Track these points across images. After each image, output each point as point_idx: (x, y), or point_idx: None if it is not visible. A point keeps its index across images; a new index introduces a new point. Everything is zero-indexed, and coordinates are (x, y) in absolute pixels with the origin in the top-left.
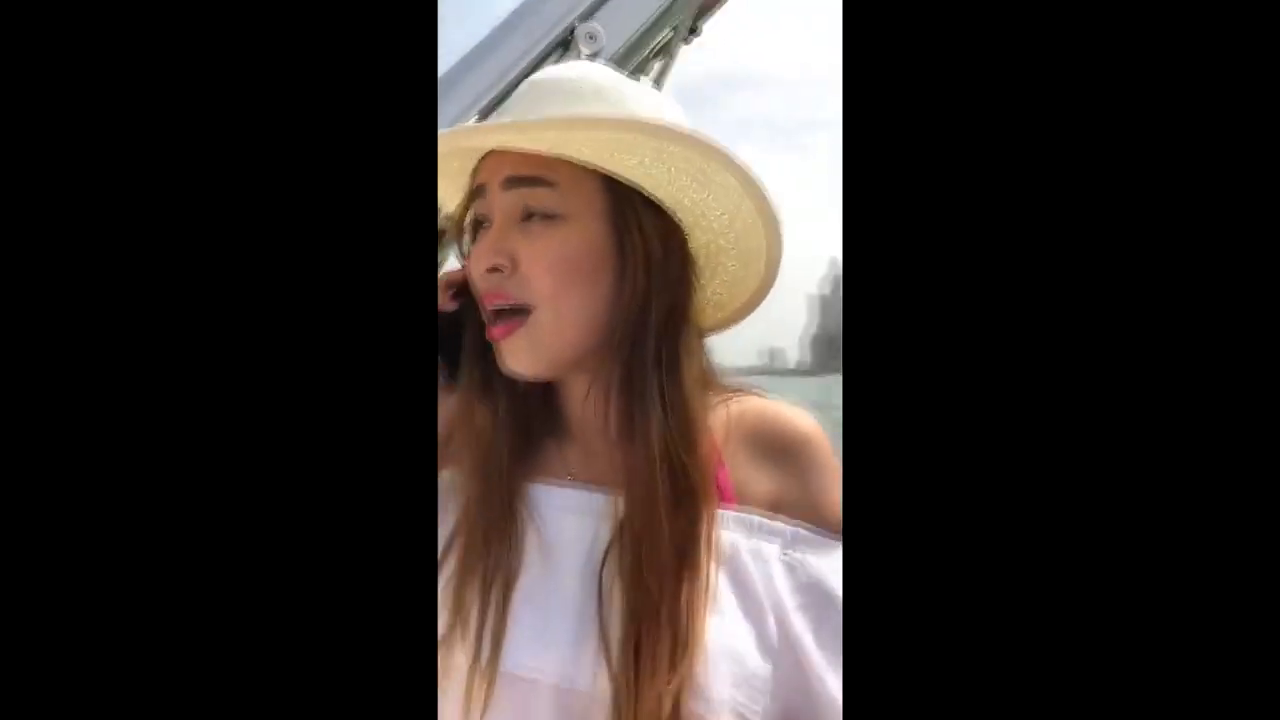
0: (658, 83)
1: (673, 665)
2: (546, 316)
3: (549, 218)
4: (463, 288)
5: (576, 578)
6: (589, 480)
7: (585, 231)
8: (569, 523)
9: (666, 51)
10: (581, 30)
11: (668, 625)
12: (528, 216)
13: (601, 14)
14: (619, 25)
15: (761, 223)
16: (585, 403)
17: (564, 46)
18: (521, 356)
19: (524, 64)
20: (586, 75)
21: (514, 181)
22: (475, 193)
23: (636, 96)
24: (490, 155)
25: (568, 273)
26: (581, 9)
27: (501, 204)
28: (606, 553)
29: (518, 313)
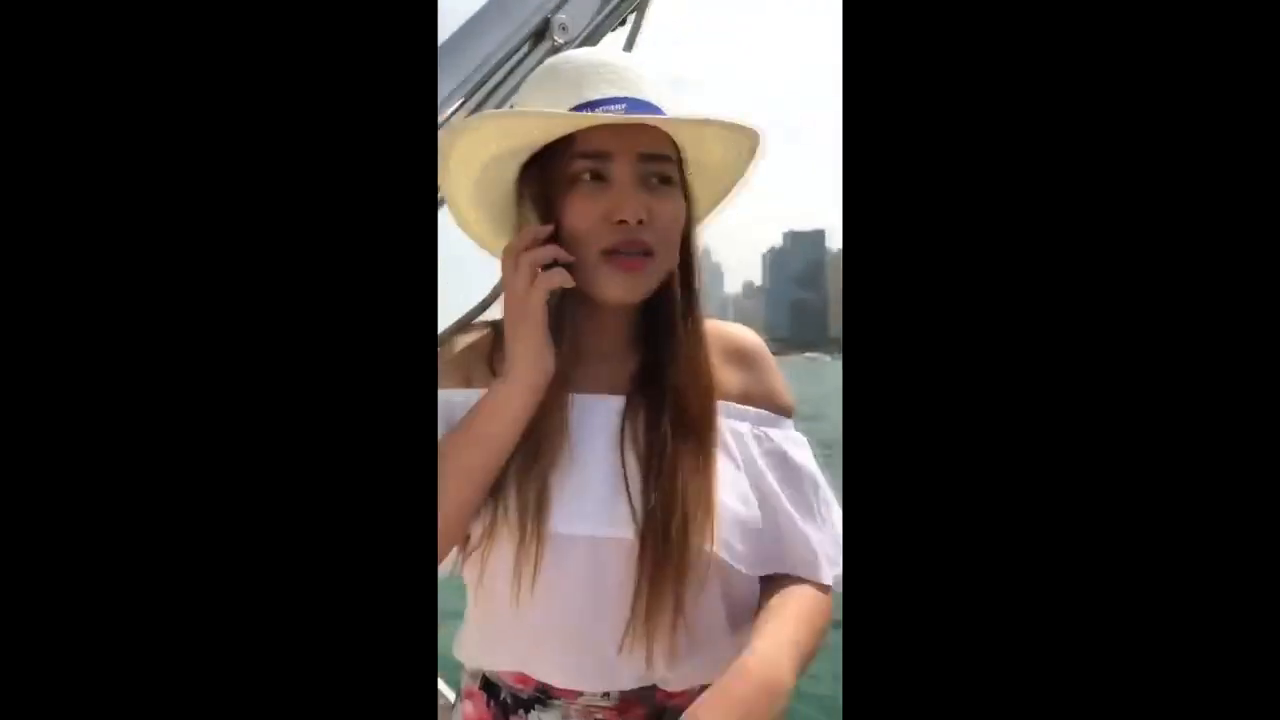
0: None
1: (685, 513)
2: (663, 259)
3: (667, 183)
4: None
5: (603, 458)
6: (609, 390)
7: (680, 196)
8: (596, 420)
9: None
10: (555, 21)
11: (675, 480)
12: (656, 181)
13: (569, 7)
14: (580, 15)
15: (749, 157)
16: (617, 324)
17: (538, 36)
18: (638, 288)
19: (504, 51)
20: (630, 64)
21: (648, 158)
22: (593, 156)
23: (664, 78)
24: (609, 131)
25: (677, 227)
26: (554, 1)
27: (636, 171)
28: (622, 433)
29: (647, 254)
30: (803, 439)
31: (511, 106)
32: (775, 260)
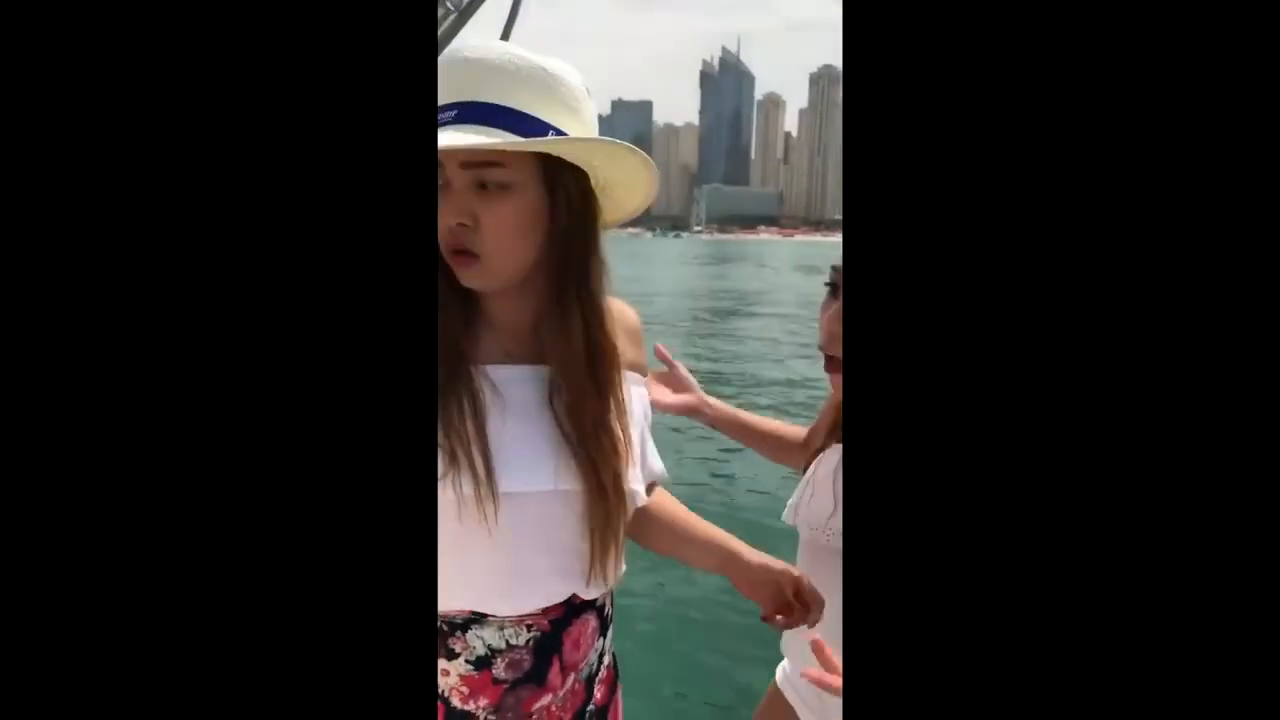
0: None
1: (614, 459)
2: (493, 258)
3: (504, 188)
4: None
5: (535, 422)
6: (524, 360)
7: (525, 196)
8: (518, 389)
9: None
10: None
11: (604, 437)
12: (482, 186)
13: None
14: None
15: (647, 171)
16: (521, 307)
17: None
18: (478, 281)
19: None
20: (510, 58)
21: (472, 165)
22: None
23: (557, 72)
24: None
25: (508, 228)
26: None
27: (462, 178)
28: (552, 400)
29: (471, 255)
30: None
31: None
32: (601, 132)
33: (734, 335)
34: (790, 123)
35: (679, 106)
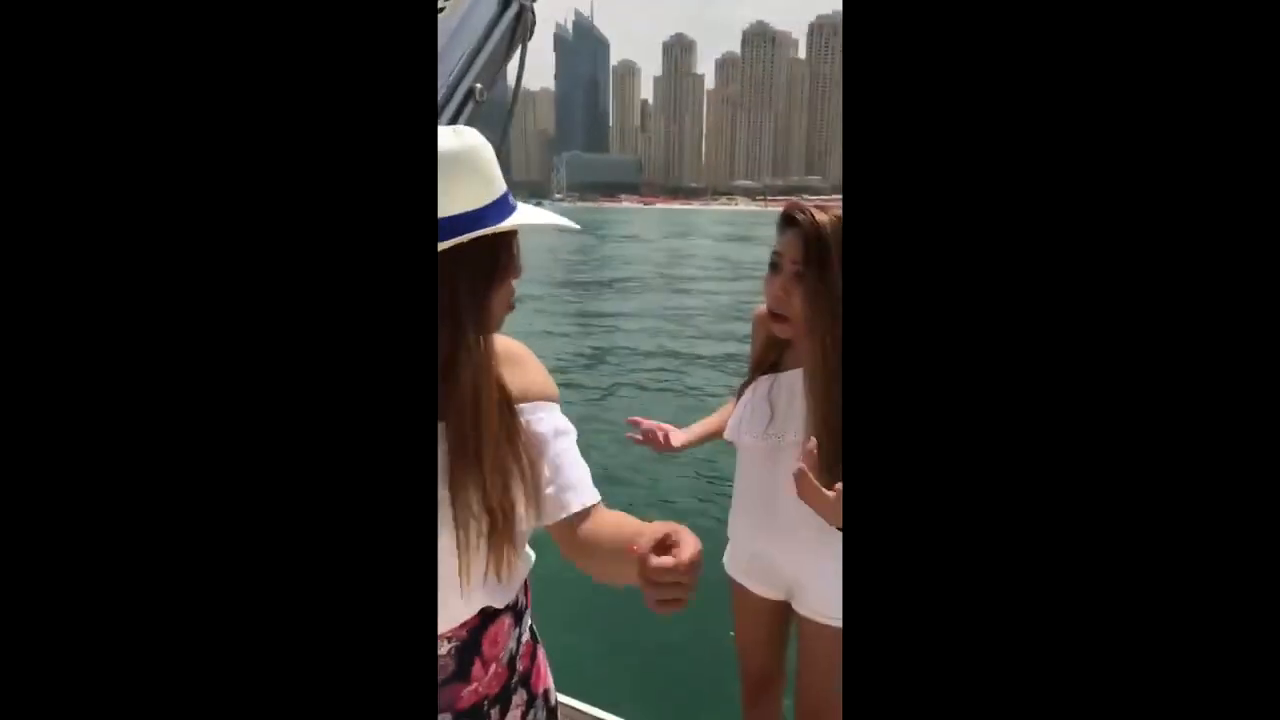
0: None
1: (523, 488)
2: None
3: None
4: None
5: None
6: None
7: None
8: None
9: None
10: (479, 89)
11: (506, 469)
12: None
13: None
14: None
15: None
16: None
17: (469, 96)
18: None
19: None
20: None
21: None
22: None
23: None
24: None
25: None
26: (475, 70)
27: None
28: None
29: None
30: (554, 411)
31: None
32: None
33: (605, 312)
34: (646, 90)
35: (534, 71)
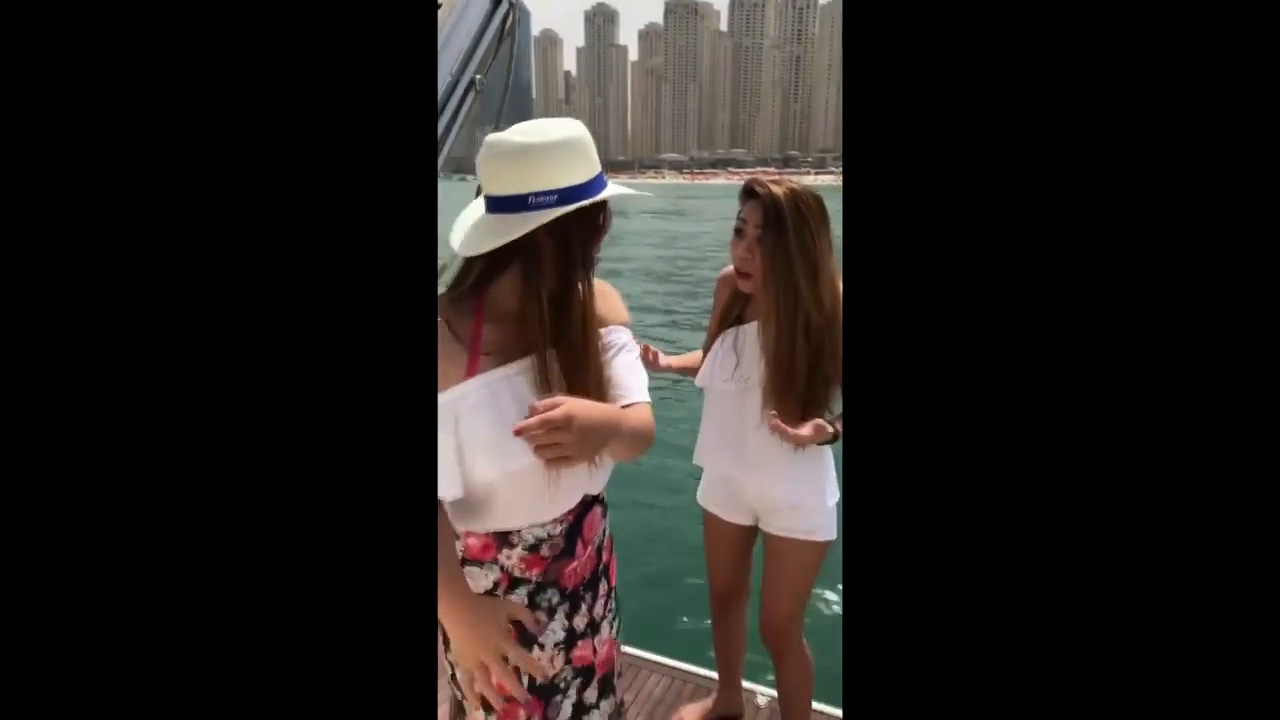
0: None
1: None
2: None
3: None
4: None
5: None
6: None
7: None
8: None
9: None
10: (480, 80)
11: (601, 375)
12: None
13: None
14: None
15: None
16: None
17: (470, 87)
18: None
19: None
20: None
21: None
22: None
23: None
24: None
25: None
26: (475, 62)
27: None
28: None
29: None
30: (625, 332)
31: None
32: None
33: None
34: (569, 62)
35: None
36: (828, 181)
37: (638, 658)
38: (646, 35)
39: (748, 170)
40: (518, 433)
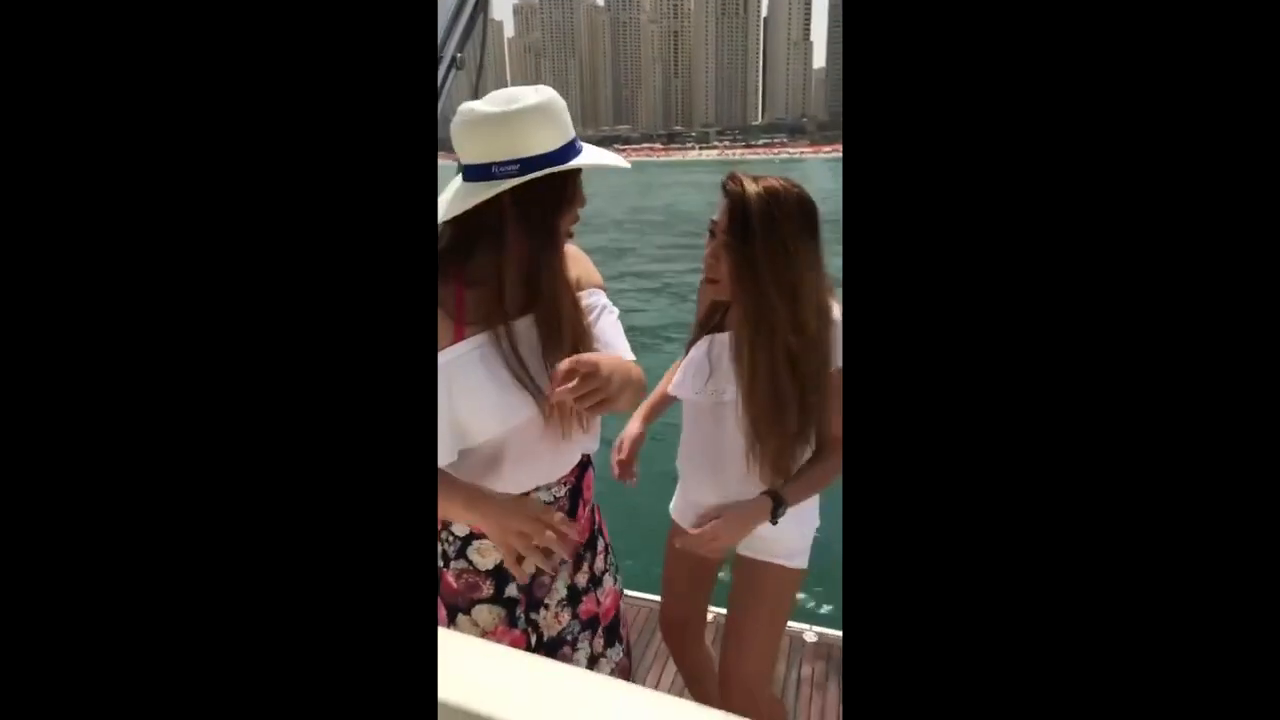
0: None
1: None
2: None
3: None
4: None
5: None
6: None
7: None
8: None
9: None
10: (460, 57)
11: (580, 338)
12: None
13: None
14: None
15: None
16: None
17: (452, 63)
18: None
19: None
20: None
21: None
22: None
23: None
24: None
25: None
26: (455, 39)
27: None
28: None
29: None
30: (601, 295)
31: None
32: None
33: None
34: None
35: None
36: (712, 156)
37: (640, 600)
38: (522, 10)
39: (633, 146)
40: (558, 388)
